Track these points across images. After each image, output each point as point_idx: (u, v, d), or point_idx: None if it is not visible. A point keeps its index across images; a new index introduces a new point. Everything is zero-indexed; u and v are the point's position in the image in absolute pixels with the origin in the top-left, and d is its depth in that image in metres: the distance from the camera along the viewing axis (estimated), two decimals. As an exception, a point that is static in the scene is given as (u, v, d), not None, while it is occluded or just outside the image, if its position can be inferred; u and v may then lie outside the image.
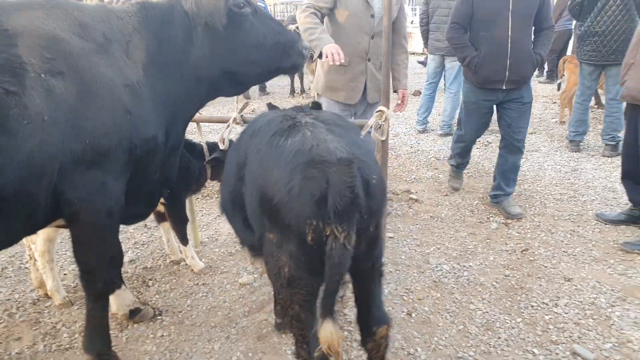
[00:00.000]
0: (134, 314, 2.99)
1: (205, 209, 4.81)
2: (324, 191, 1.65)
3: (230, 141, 3.51)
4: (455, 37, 4.37)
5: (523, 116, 4.40)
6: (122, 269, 3.03)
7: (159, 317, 3.06)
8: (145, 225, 4.33)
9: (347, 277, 1.93)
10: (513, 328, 2.93)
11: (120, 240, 2.98)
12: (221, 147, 3.43)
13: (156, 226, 3.97)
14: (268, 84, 11.48)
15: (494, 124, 4.86)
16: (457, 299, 3.23)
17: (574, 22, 8.40)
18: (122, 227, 3.95)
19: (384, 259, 2.30)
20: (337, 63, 3.35)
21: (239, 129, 3.54)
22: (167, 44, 2.47)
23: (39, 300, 3.25)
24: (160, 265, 3.71)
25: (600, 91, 7.76)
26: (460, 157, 4.99)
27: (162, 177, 2.68)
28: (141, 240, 4.13)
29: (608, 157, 6.06)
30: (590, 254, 3.80)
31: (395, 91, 4.05)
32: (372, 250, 1.94)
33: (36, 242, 3.04)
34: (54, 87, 2.01)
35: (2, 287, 3.42)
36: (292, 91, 10.80)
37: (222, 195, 2.53)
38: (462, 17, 4.30)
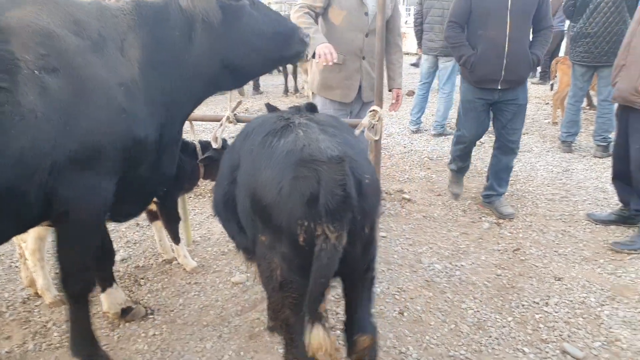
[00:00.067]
0: (125, 313, 2.98)
1: (198, 207, 4.80)
2: (315, 190, 1.62)
3: (224, 140, 3.50)
4: (452, 35, 4.34)
5: (518, 117, 4.38)
6: (114, 268, 3.03)
7: (150, 316, 3.04)
8: (138, 224, 4.32)
9: (334, 282, 1.87)
10: (504, 327, 2.95)
11: (112, 239, 3.00)
12: (214, 145, 3.42)
13: (148, 225, 3.96)
14: (262, 83, 11.49)
15: (488, 124, 4.87)
16: (449, 298, 3.25)
17: (567, 23, 8.45)
18: (114, 225, 3.97)
19: (377, 261, 2.25)
20: (330, 63, 3.36)
21: (232, 127, 3.55)
22: (163, 42, 2.44)
23: (29, 299, 3.23)
24: (152, 264, 3.70)
25: (592, 92, 7.82)
26: (461, 160, 4.83)
27: (159, 175, 2.64)
28: (133, 239, 4.12)
29: (599, 157, 6.11)
30: (580, 253, 3.84)
31: (390, 90, 4.07)
32: (366, 254, 1.90)
33: (27, 241, 3.02)
34: (47, 83, 1.99)
35: (-7, 285, 3.40)
36: (286, 90, 10.80)
37: (215, 197, 2.48)
38: (460, 15, 4.27)
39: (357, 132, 3.00)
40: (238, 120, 3.49)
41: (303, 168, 1.68)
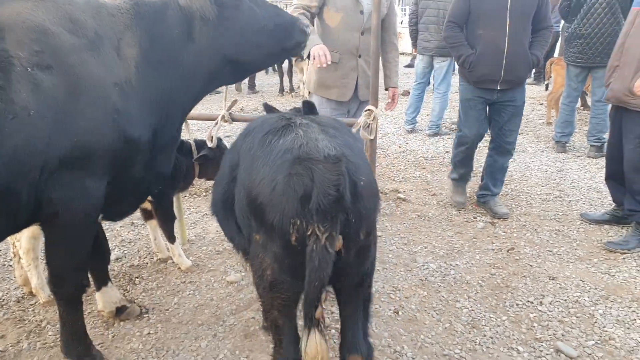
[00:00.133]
0: (120, 312, 2.97)
1: (193, 207, 4.79)
2: (309, 189, 1.60)
3: (219, 139, 3.50)
4: (451, 35, 4.31)
5: (514, 119, 4.37)
6: (109, 267, 3.02)
7: (145, 315, 3.04)
8: (132, 223, 4.30)
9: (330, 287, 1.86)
10: (498, 326, 2.96)
11: (107, 238, 2.99)
12: (209, 144, 3.42)
13: (143, 224, 3.95)
14: (257, 82, 11.48)
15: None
16: (443, 297, 3.26)
17: (562, 24, 8.48)
18: (108, 224, 3.96)
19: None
20: (324, 65, 3.36)
21: (227, 126, 3.54)
22: (161, 41, 2.43)
23: (23, 298, 3.21)
24: (147, 263, 3.69)
25: (586, 93, 7.87)
26: (462, 166, 4.65)
27: (154, 175, 2.63)
28: (128, 238, 4.10)
29: (593, 158, 6.15)
30: (574, 253, 3.86)
31: (386, 89, 4.07)
32: (361, 264, 1.85)
33: (20, 240, 3.00)
34: (41, 81, 1.97)
35: (-14, 284, 3.38)
36: (281, 90, 10.79)
37: (214, 195, 2.44)
38: (459, 15, 4.25)
39: (353, 131, 3.00)
40: (233, 119, 3.50)
41: (298, 166, 1.66)
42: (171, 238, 3.52)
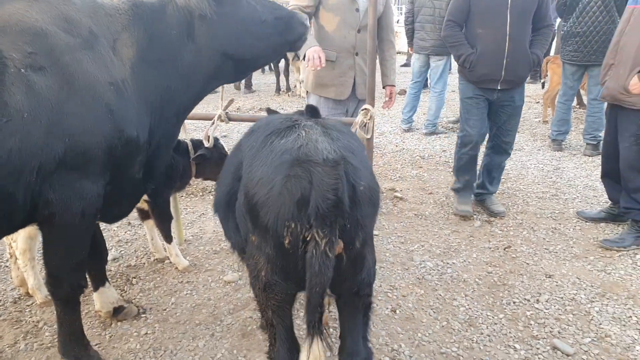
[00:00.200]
0: (117, 312, 2.97)
1: (190, 206, 4.79)
2: (306, 192, 1.57)
3: (215, 138, 3.50)
4: (451, 34, 4.26)
5: (513, 119, 4.35)
6: (106, 267, 3.02)
7: (142, 315, 3.04)
8: (129, 223, 4.30)
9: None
10: (495, 324, 2.97)
11: (104, 238, 2.99)
12: (206, 144, 3.42)
13: (140, 224, 3.95)
14: (254, 82, 11.47)
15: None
16: (440, 295, 3.27)
17: (558, 22, 8.51)
18: (105, 225, 3.95)
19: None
20: (318, 68, 3.36)
21: (224, 126, 3.54)
22: (160, 41, 2.42)
23: (20, 299, 3.21)
24: (144, 263, 3.69)
25: (582, 91, 7.89)
26: (466, 171, 4.51)
27: (150, 172, 2.61)
28: (125, 238, 4.10)
29: (589, 156, 6.17)
30: (570, 251, 3.87)
31: (383, 87, 4.06)
32: (357, 273, 1.82)
33: (17, 240, 3.00)
34: (34, 83, 1.96)
35: (-18, 285, 3.37)
36: (278, 89, 10.78)
37: (217, 194, 2.42)
38: (458, 13, 4.21)
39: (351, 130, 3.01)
40: (230, 119, 3.49)
41: (298, 168, 1.63)
42: (168, 238, 3.52)
